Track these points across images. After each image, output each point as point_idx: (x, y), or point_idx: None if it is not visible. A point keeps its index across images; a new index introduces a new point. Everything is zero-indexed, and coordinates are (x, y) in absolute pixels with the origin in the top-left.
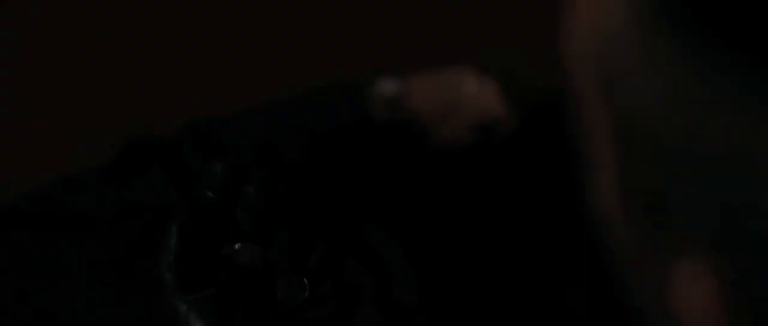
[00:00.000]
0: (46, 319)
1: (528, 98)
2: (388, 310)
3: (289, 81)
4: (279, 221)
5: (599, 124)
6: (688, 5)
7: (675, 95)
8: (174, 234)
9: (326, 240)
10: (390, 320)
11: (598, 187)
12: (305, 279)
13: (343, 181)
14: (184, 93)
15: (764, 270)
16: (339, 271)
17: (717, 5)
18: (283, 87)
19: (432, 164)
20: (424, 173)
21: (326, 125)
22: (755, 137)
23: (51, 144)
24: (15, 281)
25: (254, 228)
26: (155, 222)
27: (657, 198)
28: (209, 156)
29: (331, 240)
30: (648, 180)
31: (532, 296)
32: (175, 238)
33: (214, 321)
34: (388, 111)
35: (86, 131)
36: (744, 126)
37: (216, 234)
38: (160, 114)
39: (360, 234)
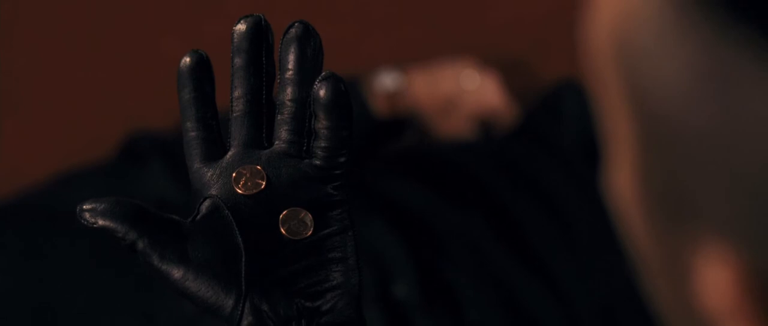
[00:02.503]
0: (47, 312)
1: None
2: (389, 307)
3: None
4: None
5: (619, 113)
6: None
7: (703, 78)
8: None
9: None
10: (390, 317)
11: (615, 178)
12: (310, 215)
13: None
14: None
15: None
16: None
17: None
18: None
19: (432, 157)
20: (424, 166)
21: None
22: None
23: (51, 141)
24: (16, 275)
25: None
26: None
27: (677, 186)
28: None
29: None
30: (669, 167)
31: (533, 293)
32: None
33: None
34: (389, 104)
35: (86, 127)
36: None
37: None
38: (160, 109)
39: (360, 229)
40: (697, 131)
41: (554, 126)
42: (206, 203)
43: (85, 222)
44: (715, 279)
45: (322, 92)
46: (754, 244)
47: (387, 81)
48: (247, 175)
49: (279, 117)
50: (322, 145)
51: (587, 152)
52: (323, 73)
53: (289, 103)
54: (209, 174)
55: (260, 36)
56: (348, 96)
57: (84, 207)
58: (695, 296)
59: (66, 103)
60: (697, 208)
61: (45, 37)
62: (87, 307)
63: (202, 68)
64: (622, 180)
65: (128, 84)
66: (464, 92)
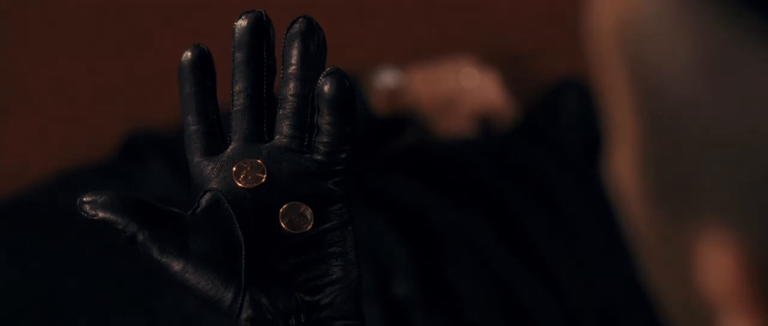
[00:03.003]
0: (47, 310)
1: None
2: (389, 306)
3: None
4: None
5: (622, 96)
6: None
7: (707, 62)
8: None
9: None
10: (390, 316)
11: (616, 162)
12: (310, 209)
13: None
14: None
15: None
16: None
17: None
18: None
19: (433, 155)
20: (424, 164)
21: None
22: None
23: (51, 141)
24: (16, 273)
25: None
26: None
27: (679, 169)
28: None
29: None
30: (671, 150)
31: (533, 291)
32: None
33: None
34: (389, 102)
35: (86, 127)
36: None
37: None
38: (160, 109)
39: (361, 228)
40: (699, 114)
41: (554, 124)
42: (206, 196)
43: (85, 215)
44: (717, 265)
45: (326, 88)
46: (756, 230)
47: (387, 79)
48: (248, 169)
49: (281, 111)
50: (325, 140)
51: (587, 150)
52: (328, 69)
53: (291, 98)
54: (210, 167)
55: (261, 31)
56: (352, 92)
57: (84, 199)
58: (696, 282)
59: (66, 103)
60: (699, 193)
61: (45, 36)
62: (87, 305)
63: (204, 62)
64: (624, 164)
65: (128, 84)
66: (464, 90)
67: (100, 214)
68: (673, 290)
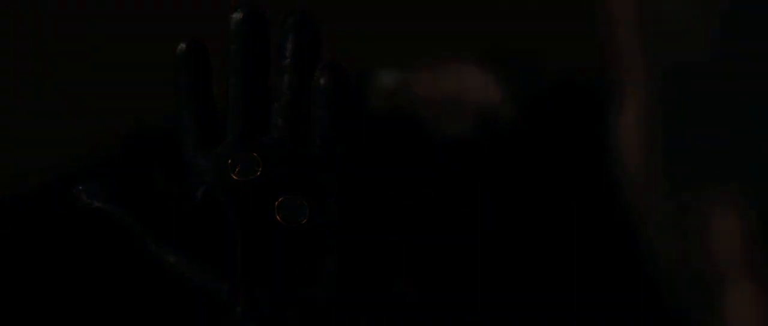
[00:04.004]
0: (46, 310)
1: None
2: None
3: None
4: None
5: (634, 60)
6: None
7: (728, 28)
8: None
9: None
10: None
11: (623, 127)
12: (305, 202)
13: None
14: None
15: None
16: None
17: None
18: None
19: (432, 156)
20: (424, 165)
21: None
22: None
23: (51, 140)
24: (14, 273)
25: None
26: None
27: (690, 134)
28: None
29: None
30: (682, 115)
31: (530, 291)
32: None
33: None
34: (389, 103)
35: (86, 127)
36: None
37: None
38: (160, 107)
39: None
40: (715, 79)
41: (554, 124)
42: (201, 189)
43: (81, 203)
44: (725, 232)
45: (323, 80)
46: (765, 196)
47: (386, 79)
48: (243, 162)
49: (276, 104)
50: (321, 133)
51: (588, 150)
52: (325, 62)
53: (286, 91)
54: (204, 160)
55: (257, 23)
56: (349, 85)
57: (80, 188)
58: (702, 249)
59: (66, 102)
60: (710, 157)
61: (44, 35)
62: (87, 305)
63: (198, 54)
64: (632, 128)
65: (128, 83)
66: (464, 90)
67: (96, 203)
68: (678, 258)
